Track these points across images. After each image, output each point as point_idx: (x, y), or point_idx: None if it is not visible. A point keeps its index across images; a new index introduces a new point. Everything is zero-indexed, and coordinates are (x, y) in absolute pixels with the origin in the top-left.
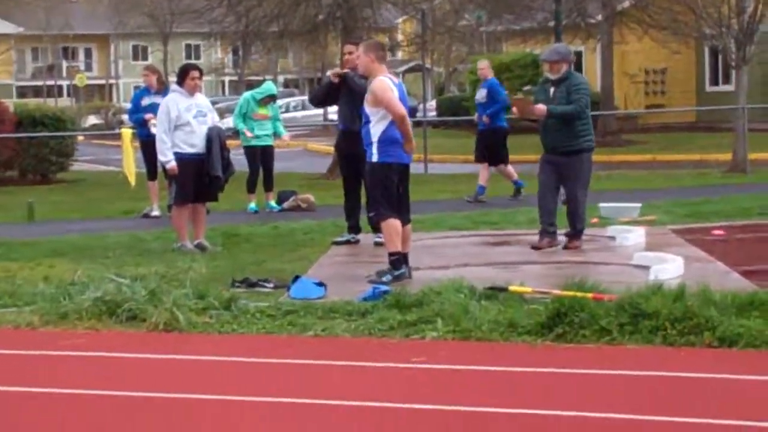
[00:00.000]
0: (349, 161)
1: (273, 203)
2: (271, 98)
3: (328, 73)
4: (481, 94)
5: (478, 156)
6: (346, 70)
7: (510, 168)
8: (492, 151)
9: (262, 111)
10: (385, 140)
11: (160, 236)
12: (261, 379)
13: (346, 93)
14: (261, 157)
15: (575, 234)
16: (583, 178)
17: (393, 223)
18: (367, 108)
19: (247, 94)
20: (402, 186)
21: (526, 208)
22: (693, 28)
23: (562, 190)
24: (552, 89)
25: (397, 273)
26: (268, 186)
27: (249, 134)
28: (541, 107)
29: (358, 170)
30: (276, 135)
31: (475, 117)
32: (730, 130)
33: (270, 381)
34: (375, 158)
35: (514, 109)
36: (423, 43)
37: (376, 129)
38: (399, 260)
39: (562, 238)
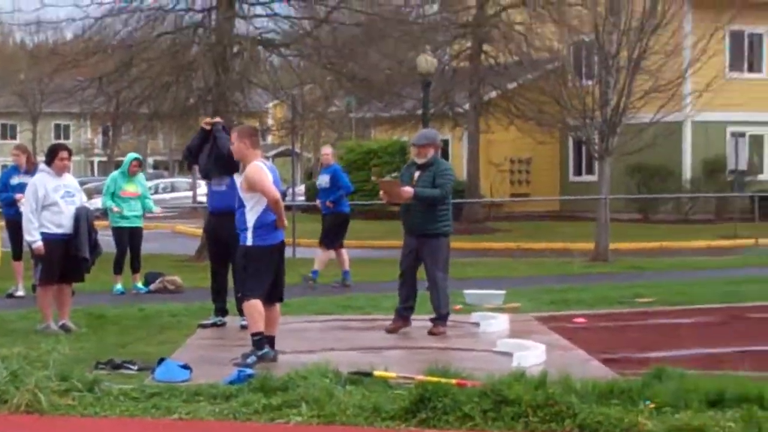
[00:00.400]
0: (218, 243)
1: (140, 285)
2: (138, 162)
3: (201, 122)
4: (323, 180)
5: (324, 241)
6: (217, 119)
7: (345, 255)
8: (331, 234)
9: (130, 187)
10: (260, 226)
11: (24, 316)
12: None
13: (211, 148)
14: (129, 238)
15: (439, 319)
16: (441, 260)
17: (255, 304)
18: (242, 193)
19: (113, 174)
20: (281, 265)
21: (392, 294)
22: (558, 119)
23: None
24: (417, 173)
25: (260, 353)
26: (136, 267)
27: (116, 209)
28: (408, 189)
29: (226, 252)
30: (147, 211)
31: (317, 202)
32: (593, 219)
33: None
34: (249, 242)
35: (382, 192)
36: (293, 128)
37: (251, 215)
38: (262, 340)
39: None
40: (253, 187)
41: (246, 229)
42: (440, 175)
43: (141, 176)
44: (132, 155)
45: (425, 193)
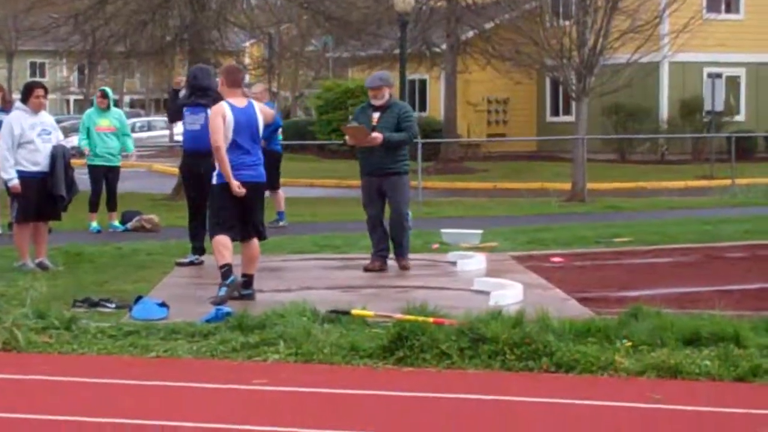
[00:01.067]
0: (194, 182)
1: (117, 223)
2: (102, 94)
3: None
4: None
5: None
6: (180, 78)
7: (281, 194)
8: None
9: (104, 122)
10: (230, 162)
11: (1, 254)
12: (101, 399)
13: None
14: (105, 176)
15: (405, 252)
16: (406, 196)
17: (219, 239)
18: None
19: (88, 111)
20: (249, 204)
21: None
22: (535, 59)
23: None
24: (376, 114)
25: (227, 282)
26: (112, 206)
27: (87, 151)
28: (378, 136)
29: (203, 191)
30: (125, 151)
31: None
32: (570, 160)
33: (110, 402)
34: (214, 180)
35: (347, 137)
36: (270, 67)
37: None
38: (228, 271)
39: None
40: (215, 134)
41: (214, 167)
42: (404, 118)
43: (120, 113)
44: (99, 88)
45: (394, 138)
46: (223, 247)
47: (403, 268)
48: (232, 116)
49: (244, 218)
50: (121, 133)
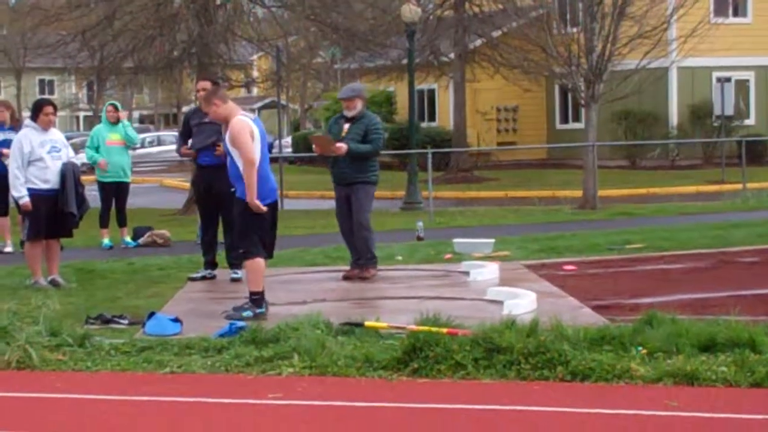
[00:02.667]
0: (207, 196)
1: (128, 239)
2: (113, 107)
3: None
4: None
5: None
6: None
7: None
8: None
9: (114, 136)
10: (258, 178)
11: (13, 272)
12: (115, 416)
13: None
14: (115, 193)
15: (369, 261)
16: (367, 205)
17: (260, 263)
18: (229, 146)
19: (97, 126)
20: (273, 222)
21: (379, 244)
22: (543, 66)
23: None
24: (346, 125)
25: (258, 311)
26: (121, 222)
27: (102, 164)
28: (342, 146)
29: (216, 205)
30: (129, 143)
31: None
32: (580, 167)
33: (125, 419)
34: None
35: (315, 146)
36: (278, 79)
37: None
38: (261, 300)
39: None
40: (234, 142)
41: (241, 179)
42: (372, 130)
43: (127, 125)
44: (108, 102)
45: (359, 149)
46: (260, 272)
47: (362, 278)
48: (258, 130)
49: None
50: (127, 136)
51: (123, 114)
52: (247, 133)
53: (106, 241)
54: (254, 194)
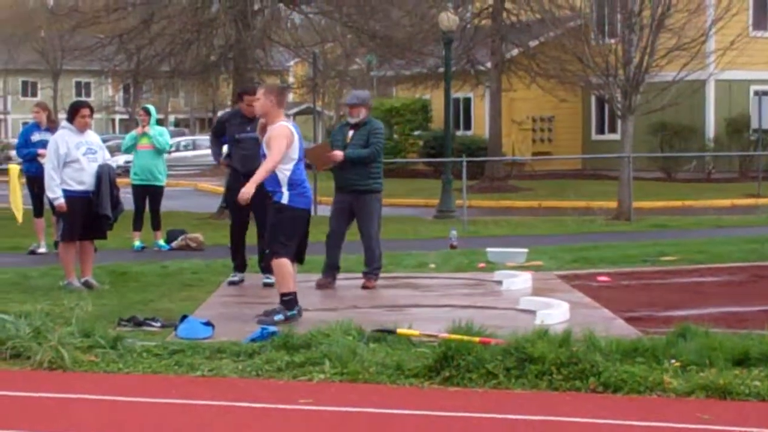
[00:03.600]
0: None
1: (162, 242)
2: (144, 111)
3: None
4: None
5: None
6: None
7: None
8: None
9: (144, 141)
10: (295, 184)
11: (47, 273)
12: (146, 418)
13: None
14: (147, 195)
15: (373, 272)
16: (376, 216)
17: (286, 263)
18: (266, 149)
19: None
20: (307, 228)
21: (416, 252)
22: (580, 77)
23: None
24: (351, 132)
25: (289, 313)
26: (155, 225)
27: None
28: (338, 154)
29: (248, 209)
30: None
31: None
32: (615, 178)
33: (156, 421)
34: (285, 200)
35: (310, 161)
36: (314, 86)
37: (280, 173)
38: (292, 301)
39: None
40: (269, 143)
41: (280, 186)
42: (372, 134)
43: (159, 129)
44: (142, 106)
45: (356, 154)
46: (289, 273)
47: (366, 288)
48: (297, 136)
49: (300, 243)
50: (157, 151)
51: (146, 128)
52: (284, 141)
53: (137, 243)
54: (254, 185)
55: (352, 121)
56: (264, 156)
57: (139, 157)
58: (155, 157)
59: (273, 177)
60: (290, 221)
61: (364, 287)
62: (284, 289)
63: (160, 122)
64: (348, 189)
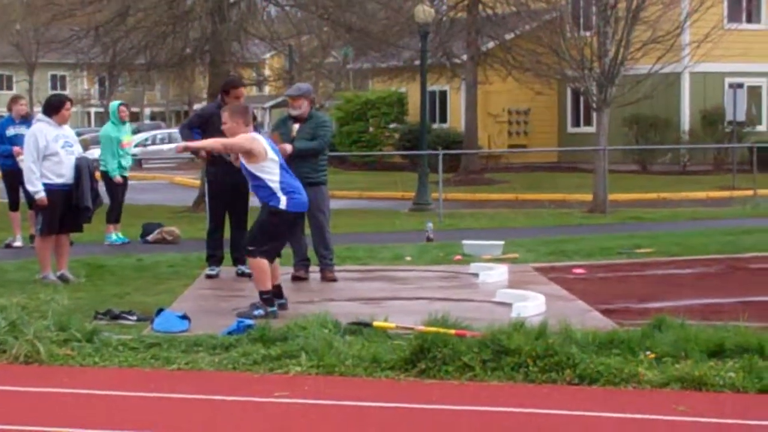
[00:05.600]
0: (222, 192)
1: (115, 236)
2: (126, 106)
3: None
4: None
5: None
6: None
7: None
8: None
9: (126, 138)
10: (287, 187)
11: (22, 267)
12: (122, 412)
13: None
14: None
15: (330, 263)
16: (325, 207)
17: (263, 263)
18: (250, 168)
19: (107, 130)
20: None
21: (392, 244)
22: (556, 70)
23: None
24: (295, 126)
25: (269, 310)
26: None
27: (118, 180)
28: (287, 146)
29: (229, 201)
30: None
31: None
32: (591, 170)
33: (132, 414)
34: (283, 205)
35: None
36: (290, 78)
37: (273, 183)
38: (270, 298)
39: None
40: (234, 147)
41: (275, 194)
42: (319, 126)
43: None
44: (116, 102)
45: (304, 146)
46: (265, 273)
47: (329, 280)
48: (264, 140)
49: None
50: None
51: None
52: (246, 139)
53: (114, 236)
54: (194, 146)
55: (294, 113)
56: (247, 171)
57: (123, 157)
58: (128, 152)
59: (266, 188)
60: (279, 226)
61: (328, 280)
62: (261, 287)
63: (135, 116)
64: (303, 183)
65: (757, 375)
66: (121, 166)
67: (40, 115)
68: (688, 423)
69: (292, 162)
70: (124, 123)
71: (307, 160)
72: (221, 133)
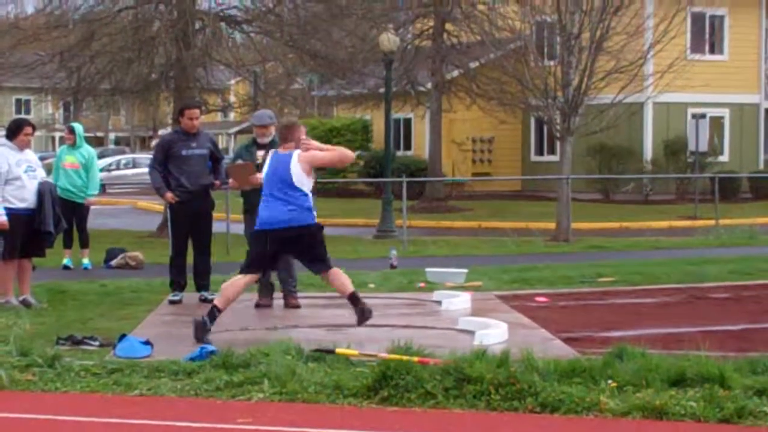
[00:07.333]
0: (185, 218)
1: (86, 261)
2: (69, 129)
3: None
4: None
5: None
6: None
7: None
8: None
9: (69, 158)
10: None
11: None
12: None
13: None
14: (73, 213)
15: (294, 289)
16: None
17: (242, 284)
18: (303, 177)
19: (58, 153)
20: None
21: (356, 271)
22: (520, 98)
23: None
24: (260, 152)
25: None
26: (83, 243)
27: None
28: (259, 176)
29: (192, 226)
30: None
31: None
32: (554, 199)
33: None
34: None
35: (231, 180)
36: (255, 105)
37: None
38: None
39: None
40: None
41: (310, 209)
42: None
43: (89, 151)
44: (71, 126)
45: None
46: (238, 293)
47: (293, 306)
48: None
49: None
50: (84, 170)
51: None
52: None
53: (66, 260)
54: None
55: (263, 140)
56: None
57: (65, 174)
58: (79, 176)
59: (304, 199)
60: (262, 246)
61: (291, 306)
62: (224, 306)
63: (99, 140)
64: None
65: (718, 404)
66: (63, 188)
67: (2, 140)
68: None
69: (260, 188)
70: (73, 147)
71: None
72: (181, 160)
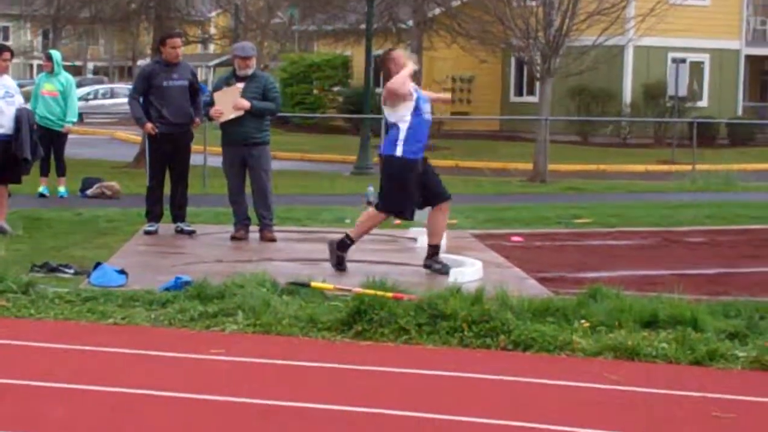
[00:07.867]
0: (165, 150)
1: (62, 189)
2: (46, 56)
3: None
4: None
5: None
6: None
7: None
8: None
9: (48, 86)
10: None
11: None
12: (56, 364)
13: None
14: (51, 141)
15: (270, 223)
16: (269, 167)
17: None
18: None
19: (40, 74)
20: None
21: (333, 207)
22: (501, 38)
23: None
24: (239, 84)
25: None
26: (60, 171)
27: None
28: (245, 102)
29: (171, 158)
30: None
31: None
32: (532, 140)
33: (66, 367)
34: (399, 152)
35: (215, 108)
36: (235, 37)
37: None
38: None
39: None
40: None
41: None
42: (271, 89)
43: (68, 78)
44: (46, 51)
45: (263, 105)
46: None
47: (269, 240)
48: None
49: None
50: (62, 98)
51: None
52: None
53: (42, 188)
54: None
55: (245, 72)
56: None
57: (44, 102)
58: (57, 104)
59: (395, 132)
60: (406, 178)
61: (267, 239)
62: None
63: (78, 70)
64: (242, 142)
65: (690, 347)
66: (41, 116)
67: None
68: (619, 391)
69: (240, 120)
70: (51, 74)
71: (255, 119)
72: (161, 91)
